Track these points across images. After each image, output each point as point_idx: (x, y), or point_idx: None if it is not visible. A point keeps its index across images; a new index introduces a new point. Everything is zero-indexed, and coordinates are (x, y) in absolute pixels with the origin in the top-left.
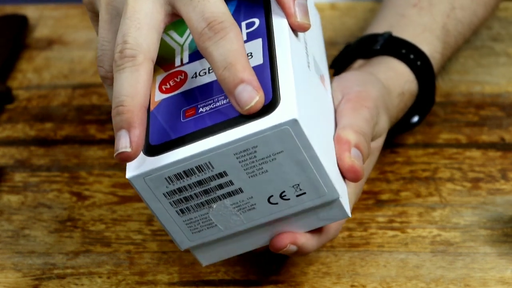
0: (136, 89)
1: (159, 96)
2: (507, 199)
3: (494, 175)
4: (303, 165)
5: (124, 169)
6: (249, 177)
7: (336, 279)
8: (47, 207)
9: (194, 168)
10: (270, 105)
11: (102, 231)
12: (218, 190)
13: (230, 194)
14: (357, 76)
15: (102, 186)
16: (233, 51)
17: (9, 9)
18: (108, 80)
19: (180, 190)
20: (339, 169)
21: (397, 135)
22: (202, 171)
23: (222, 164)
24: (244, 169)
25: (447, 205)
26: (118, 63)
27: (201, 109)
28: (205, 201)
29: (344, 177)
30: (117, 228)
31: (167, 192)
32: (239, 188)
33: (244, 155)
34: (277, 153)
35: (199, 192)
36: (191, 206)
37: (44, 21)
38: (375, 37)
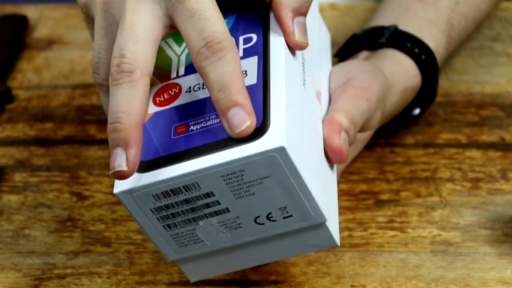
0: (133, 106)
1: (152, 109)
2: (507, 199)
3: (494, 175)
4: (290, 190)
5: None
6: (236, 198)
7: (336, 279)
8: (47, 207)
9: (182, 188)
10: (260, 129)
11: (102, 231)
12: (205, 208)
13: (217, 213)
14: (363, 65)
15: (102, 186)
16: (229, 72)
17: (9, 9)
18: (104, 87)
19: (167, 207)
20: (325, 149)
21: (397, 127)
22: (189, 190)
23: (209, 185)
24: (231, 191)
25: (447, 205)
26: (115, 77)
27: (192, 127)
28: (192, 218)
29: (328, 157)
30: (117, 228)
31: (154, 208)
32: (226, 208)
33: (231, 177)
34: (264, 177)
35: (186, 209)
36: (178, 222)
37: (44, 21)
38: (381, 29)
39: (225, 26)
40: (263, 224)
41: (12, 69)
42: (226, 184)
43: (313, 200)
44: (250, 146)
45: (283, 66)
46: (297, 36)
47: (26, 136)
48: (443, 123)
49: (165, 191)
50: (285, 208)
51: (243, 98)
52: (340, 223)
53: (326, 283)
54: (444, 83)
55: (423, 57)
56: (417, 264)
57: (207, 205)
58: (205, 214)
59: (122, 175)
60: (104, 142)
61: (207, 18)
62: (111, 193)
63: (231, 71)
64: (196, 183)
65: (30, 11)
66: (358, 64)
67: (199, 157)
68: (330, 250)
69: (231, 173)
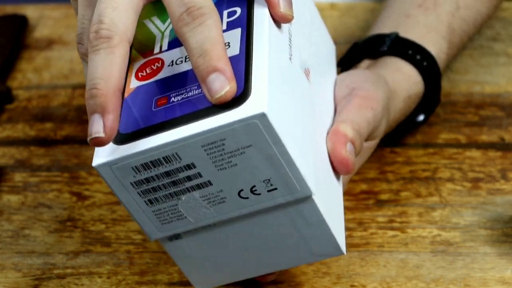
0: (110, 72)
1: (134, 83)
2: (507, 199)
3: (494, 175)
4: (273, 160)
5: None
6: (218, 170)
7: (336, 279)
8: (47, 207)
9: (161, 159)
10: (241, 97)
11: (102, 231)
12: (186, 182)
13: (199, 187)
14: (367, 75)
15: (102, 186)
16: (210, 38)
17: (9, 9)
18: (87, 57)
19: (147, 180)
20: (331, 160)
21: (402, 134)
22: (170, 162)
23: (190, 156)
24: (212, 162)
25: (447, 205)
26: (93, 44)
27: (173, 99)
28: (174, 192)
29: (334, 168)
30: (117, 228)
31: (134, 182)
32: (208, 181)
33: (212, 147)
34: (246, 147)
35: (167, 183)
36: (159, 197)
37: (44, 21)
38: (382, 37)
39: None
40: (247, 198)
41: (12, 69)
42: (207, 154)
43: (298, 172)
44: (230, 113)
45: (266, 38)
46: (282, 8)
47: (26, 136)
48: (443, 123)
49: (145, 163)
50: (269, 180)
51: (224, 64)
52: None
53: (326, 283)
54: (444, 83)
55: (425, 63)
56: (417, 264)
57: (189, 178)
58: (187, 188)
59: (99, 142)
60: None
61: None
62: (111, 193)
63: (212, 37)
64: (176, 153)
65: (30, 11)
66: (361, 74)
67: (179, 127)
68: None
69: (211, 143)
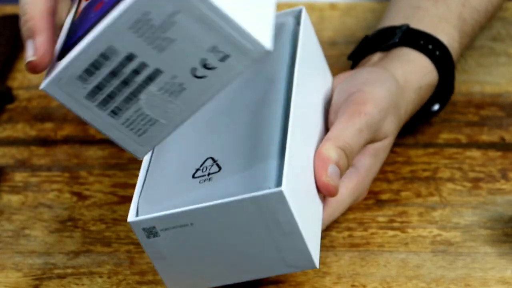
0: None
1: (83, 5)
2: (507, 199)
3: (494, 175)
4: (207, 22)
5: (124, 169)
6: (159, 51)
7: (337, 279)
8: (48, 207)
9: (99, 58)
10: None
11: (102, 231)
12: (135, 76)
13: (150, 79)
14: (369, 74)
15: (103, 186)
16: None
17: (9, 9)
18: None
19: (98, 87)
20: (316, 185)
21: (417, 125)
22: (108, 58)
23: (123, 44)
24: (148, 44)
25: (448, 205)
26: None
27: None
28: (130, 93)
29: (319, 191)
30: (117, 228)
31: (87, 94)
32: (156, 69)
33: (140, 26)
34: (174, 14)
35: (118, 85)
36: (119, 105)
37: None
38: (393, 29)
39: None
40: (206, 77)
41: (13, 69)
42: (139, 36)
43: (239, 27)
44: None
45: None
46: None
47: (27, 136)
48: (443, 123)
49: (86, 68)
50: (216, 47)
51: None
52: (340, 222)
53: (326, 283)
54: None
55: (437, 53)
56: (418, 264)
57: (136, 72)
58: (140, 85)
59: (34, 66)
60: (104, 142)
61: None
62: (112, 192)
63: None
64: (110, 47)
65: None
66: (363, 74)
67: (103, 19)
68: (330, 250)
69: (136, 21)
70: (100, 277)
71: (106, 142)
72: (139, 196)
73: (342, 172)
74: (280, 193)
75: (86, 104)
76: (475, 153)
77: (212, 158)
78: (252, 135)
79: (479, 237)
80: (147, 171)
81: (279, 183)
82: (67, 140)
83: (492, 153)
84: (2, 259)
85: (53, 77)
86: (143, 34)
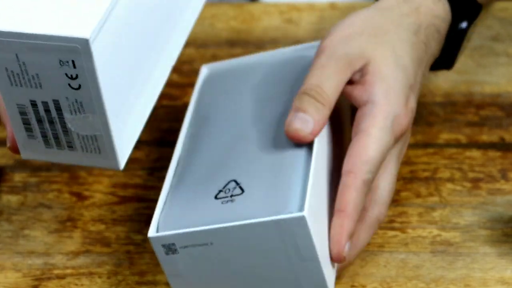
0: None
1: None
2: (507, 199)
3: (494, 175)
4: (36, 47)
5: (124, 170)
6: (40, 88)
7: (336, 279)
8: (47, 207)
9: (22, 116)
10: None
11: (102, 231)
12: (49, 114)
13: (58, 109)
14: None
15: (102, 186)
16: None
17: None
18: None
19: (43, 135)
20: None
21: (454, 52)
22: (25, 113)
23: (20, 99)
24: (30, 87)
25: (447, 205)
26: None
27: None
28: (62, 127)
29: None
30: (117, 228)
31: (44, 144)
32: (53, 100)
33: (14, 79)
34: (16, 57)
35: (49, 126)
36: (66, 138)
37: None
38: None
39: None
40: (80, 84)
41: None
42: (21, 86)
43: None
44: None
45: None
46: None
47: None
48: (443, 123)
49: (25, 128)
50: (61, 61)
51: None
52: None
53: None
54: (444, 83)
55: None
56: (417, 264)
57: (47, 111)
58: (59, 118)
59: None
60: None
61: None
62: (111, 193)
63: None
64: (19, 105)
65: None
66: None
67: None
68: None
69: (9, 76)
70: (100, 277)
71: None
72: (161, 212)
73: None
74: (302, 218)
75: (50, 152)
76: (475, 153)
77: (235, 181)
78: (275, 158)
79: (478, 237)
80: (169, 188)
81: (301, 208)
82: None
83: (492, 153)
84: (2, 260)
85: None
86: (20, 83)
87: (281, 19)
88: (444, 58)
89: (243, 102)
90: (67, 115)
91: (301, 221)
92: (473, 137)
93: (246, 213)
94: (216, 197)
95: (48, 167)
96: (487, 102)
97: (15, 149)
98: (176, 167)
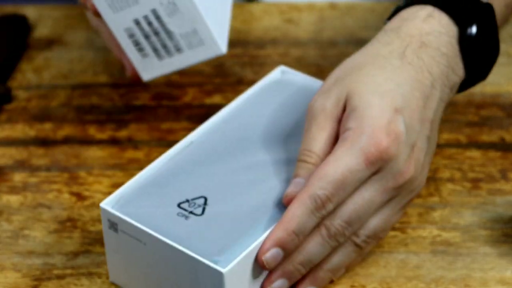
0: None
1: None
2: (507, 199)
3: (494, 175)
4: None
5: (123, 169)
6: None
7: (336, 279)
8: (47, 207)
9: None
10: None
11: (101, 231)
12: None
13: (158, 17)
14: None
15: (102, 186)
16: None
17: (9, 9)
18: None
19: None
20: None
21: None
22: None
23: (126, 21)
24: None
25: (447, 205)
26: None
27: None
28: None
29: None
30: None
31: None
32: (151, 10)
33: (115, 5)
34: None
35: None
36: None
37: (43, 21)
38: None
39: None
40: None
41: (12, 69)
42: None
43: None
44: None
45: None
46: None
47: (26, 136)
48: (443, 123)
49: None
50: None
51: None
52: None
53: (325, 283)
54: None
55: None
56: (417, 265)
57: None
58: (161, 25)
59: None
60: (103, 142)
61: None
62: (111, 193)
63: None
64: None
65: (30, 11)
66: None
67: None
68: None
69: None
70: (99, 277)
71: (105, 142)
72: (131, 190)
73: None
74: (220, 274)
75: (165, 64)
76: (475, 153)
77: (205, 200)
78: (251, 202)
79: (478, 237)
80: (152, 172)
81: (227, 264)
82: (66, 140)
83: (492, 153)
84: (1, 260)
85: None
86: (120, 7)
87: (281, 19)
88: (474, 70)
89: (280, 124)
90: (166, 20)
91: (219, 276)
92: (473, 137)
93: (186, 237)
94: (178, 205)
95: (48, 167)
96: (487, 102)
97: (135, 77)
98: (176, 154)
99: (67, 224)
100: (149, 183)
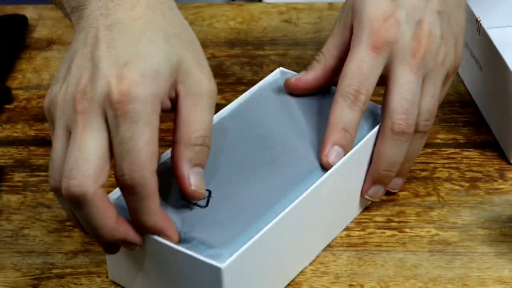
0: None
1: None
2: (504, 198)
3: (491, 175)
4: None
5: None
6: None
7: (335, 278)
8: (47, 206)
9: None
10: None
11: None
12: None
13: None
14: None
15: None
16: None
17: (9, 9)
18: (59, 190)
19: None
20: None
21: None
22: None
23: None
24: None
25: (445, 205)
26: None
27: None
28: None
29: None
30: None
31: None
32: None
33: None
34: None
35: None
36: None
37: (43, 21)
38: None
39: (149, 162)
40: None
41: (12, 69)
42: None
43: None
44: None
45: None
46: (193, 185)
47: (26, 136)
48: (441, 123)
49: None
50: None
51: None
52: None
53: (324, 283)
54: None
55: None
56: (415, 264)
57: None
58: None
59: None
60: None
61: (131, 150)
62: (110, 192)
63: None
64: None
65: (30, 12)
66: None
67: None
68: (328, 250)
69: None
70: (99, 276)
71: None
72: None
73: None
74: (218, 270)
75: None
76: (473, 153)
77: (209, 192)
78: (253, 196)
79: (476, 236)
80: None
81: (225, 259)
82: None
83: (490, 153)
84: (1, 259)
85: None
86: None
87: (280, 19)
88: None
89: (284, 118)
90: None
91: (217, 271)
92: (471, 137)
93: (188, 230)
94: (183, 198)
95: (48, 166)
96: None
97: None
98: None
99: (67, 223)
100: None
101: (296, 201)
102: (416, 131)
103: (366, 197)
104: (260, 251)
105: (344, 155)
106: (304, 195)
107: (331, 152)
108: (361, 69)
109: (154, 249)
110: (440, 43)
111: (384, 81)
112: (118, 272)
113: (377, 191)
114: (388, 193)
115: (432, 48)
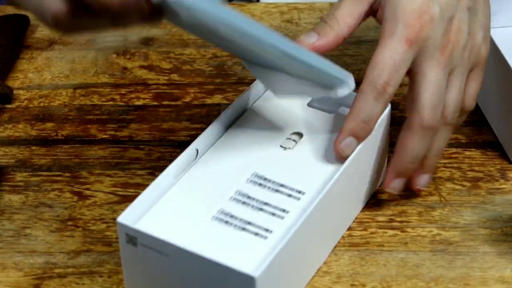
0: None
1: None
2: (506, 198)
3: (493, 175)
4: None
5: (125, 169)
6: None
7: (336, 278)
8: (48, 206)
9: None
10: None
11: (103, 230)
12: None
13: None
14: None
15: (103, 186)
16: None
17: (10, 9)
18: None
19: None
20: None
21: None
22: None
23: None
24: None
25: (447, 205)
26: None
27: None
28: None
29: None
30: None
31: None
32: None
33: None
34: None
35: None
36: None
37: None
38: None
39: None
40: None
41: (13, 69)
42: None
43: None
44: None
45: None
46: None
47: (27, 136)
48: None
49: None
50: None
51: None
52: None
53: (326, 282)
54: None
55: None
56: (417, 263)
57: None
58: None
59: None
60: (105, 142)
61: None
62: (112, 192)
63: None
64: None
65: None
66: None
67: None
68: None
69: None
70: (101, 276)
71: (107, 141)
72: (144, 204)
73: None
74: (252, 279)
75: None
76: (475, 152)
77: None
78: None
79: (478, 236)
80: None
81: (257, 268)
82: (67, 140)
83: (491, 153)
84: (3, 259)
85: None
86: None
87: (281, 19)
88: None
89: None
90: None
91: (251, 281)
92: (473, 136)
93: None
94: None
95: (49, 166)
96: None
97: None
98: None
99: (69, 223)
100: (165, 193)
101: (315, 202)
102: (444, 123)
103: (389, 190)
104: (286, 256)
105: (356, 147)
106: (321, 195)
107: (345, 142)
108: (394, 61)
109: (180, 260)
110: (468, 39)
111: (409, 75)
112: (136, 285)
113: (400, 184)
114: (388, 192)
115: (460, 44)
